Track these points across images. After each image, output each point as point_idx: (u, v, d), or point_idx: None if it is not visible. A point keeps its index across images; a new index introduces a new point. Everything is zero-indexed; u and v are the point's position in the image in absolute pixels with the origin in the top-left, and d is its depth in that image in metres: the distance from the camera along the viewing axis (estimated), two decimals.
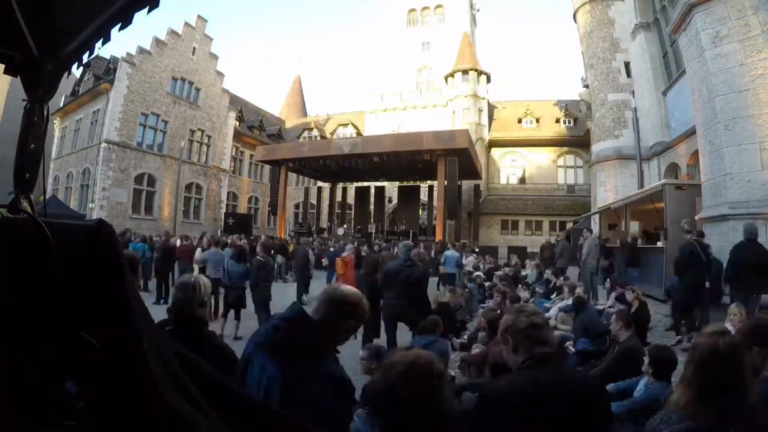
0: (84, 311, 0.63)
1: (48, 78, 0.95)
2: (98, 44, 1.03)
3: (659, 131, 12.85)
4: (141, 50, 20.77)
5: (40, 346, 0.60)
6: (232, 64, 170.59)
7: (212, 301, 7.42)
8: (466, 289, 8.24)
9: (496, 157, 25.86)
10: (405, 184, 22.21)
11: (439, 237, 15.14)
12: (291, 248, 12.69)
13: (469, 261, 9.65)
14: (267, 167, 23.09)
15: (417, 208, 21.75)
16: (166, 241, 10.01)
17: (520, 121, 25.97)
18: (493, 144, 25.46)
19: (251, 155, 27.54)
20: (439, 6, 30.17)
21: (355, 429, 1.45)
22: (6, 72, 0.95)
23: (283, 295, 7.44)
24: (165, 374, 0.65)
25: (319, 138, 29.21)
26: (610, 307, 5.87)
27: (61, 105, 22.47)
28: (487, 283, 9.43)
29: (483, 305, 7.84)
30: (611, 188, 14.77)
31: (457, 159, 14.70)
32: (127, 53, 20.41)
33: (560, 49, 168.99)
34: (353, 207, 22.38)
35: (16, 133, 0.93)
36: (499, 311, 4.92)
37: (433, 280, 11.44)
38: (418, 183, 21.70)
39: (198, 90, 24.27)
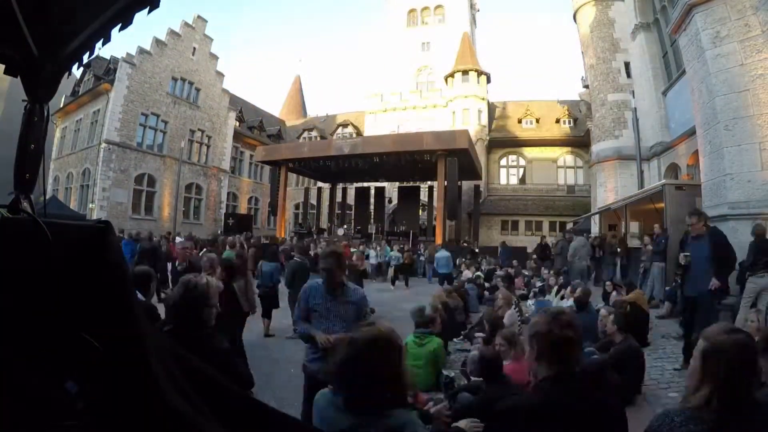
0: (85, 311, 0.63)
1: (48, 78, 0.95)
2: (98, 44, 1.04)
3: (659, 131, 12.84)
4: (141, 50, 20.78)
5: (40, 346, 0.60)
6: (232, 64, 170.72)
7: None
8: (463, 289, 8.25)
9: (496, 157, 25.86)
10: (405, 184, 22.20)
11: (439, 237, 15.14)
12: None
13: (465, 275, 9.72)
14: (267, 167, 23.10)
15: (417, 208, 21.75)
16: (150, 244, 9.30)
17: (520, 121, 25.97)
18: (493, 144, 25.47)
19: (251, 155, 27.54)
20: (439, 6, 30.18)
21: (318, 409, 1.39)
22: (6, 72, 0.95)
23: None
24: (165, 374, 0.65)
25: (319, 138, 29.22)
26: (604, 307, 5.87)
27: (61, 105, 22.48)
28: (486, 284, 9.44)
29: (483, 305, 7.85)
30: (611, 188, 14.76)
31: (457, 159, 14.70)
32: (127, 53, 20.43)
33: (560, 49, 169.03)
34: (353, 207, 22.37)
35: (16, 133, 0.93)
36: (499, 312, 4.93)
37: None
38: (418, 183, 21.70)
39: (198, 90, 24.29)
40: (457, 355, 4.91)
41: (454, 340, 5.56)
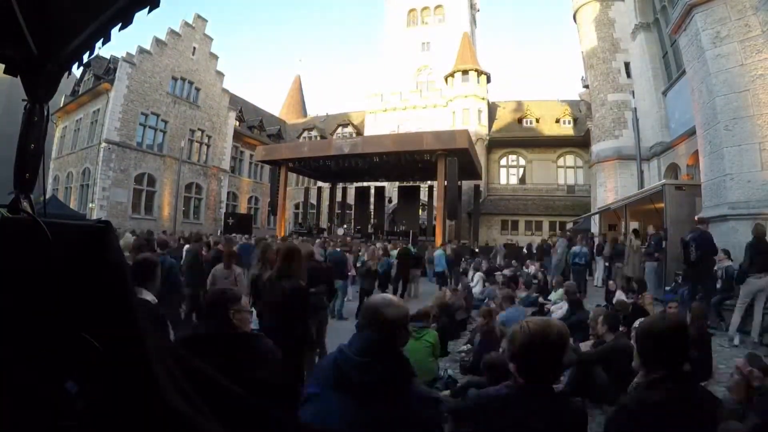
0: (85, 311, 0.63)
1: (48, 78, 0.95)
2: (98, 44, 1.03)
3: (659, 131, 12.85)
4: (141, 50, 20.78)
5: (40, 346, 0.60)
6: (232, 64, 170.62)
7: None
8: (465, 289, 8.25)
9: (496, 157, 25.86)
10: (405, 184, 22.20)
11: (439, 237, 15.14)
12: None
13: (477, 278, 9.73)
14: (267, 167, 23.08)
15: (417, 208, 21.74)
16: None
17: (520, 121, 25.97)
18: (493, 144, 25.47)
19: (251, 155, 27.53)
20: (439, 6, 30.17)
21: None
22: (6, 72, 0.95)
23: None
24: (165, 374, 0.65)
25: (319, 138, 29.21)
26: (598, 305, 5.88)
27: (61, 105, 22.48)
28: (486, 284, 9.44)
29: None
30: (611, 188, 14.77)
31: (457, 159, 14.69)
32: (127, 53, 20.42)
33: (560, 49, 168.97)
34: (353, 207, 22.37)
35: (16, 133, 0.93)
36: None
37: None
38: (418, 183, 21.69)
39: (198, 90, 24.28)
40: (456, 355, 4.91)
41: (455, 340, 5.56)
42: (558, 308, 5.99)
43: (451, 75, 25.49)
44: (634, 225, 10.60)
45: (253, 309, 3.13)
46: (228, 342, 1.66)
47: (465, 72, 25.00)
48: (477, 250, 15.99)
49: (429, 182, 20.05)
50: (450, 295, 6.38)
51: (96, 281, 0.66)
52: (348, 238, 14.74)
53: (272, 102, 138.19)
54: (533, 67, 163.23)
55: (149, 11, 0.97)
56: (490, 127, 25.52)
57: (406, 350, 1.99)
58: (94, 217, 18.34)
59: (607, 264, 9.60)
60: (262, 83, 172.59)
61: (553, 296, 7.42)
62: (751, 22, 6.21)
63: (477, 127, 24.16)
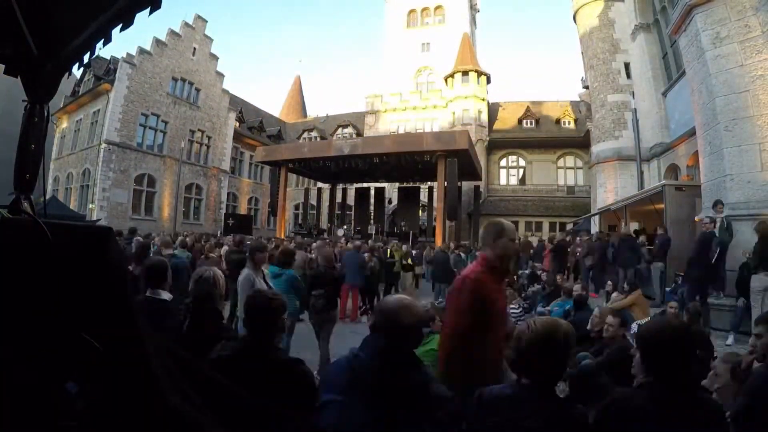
0: (85, 312, 0.63)
1: (48, 78, 0.95)
2: (99, 45, 1.04)
3: (659, 132, 12.85)
4: (141, 51, 20.79)
5: (40, 346, 0.60)
6: (232, 65, 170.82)
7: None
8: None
9: (496, 157, 25.86)
10: (405, 185, 22.20)
11: (439, 238, 15.13)
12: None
13: None
14: (267, 168, 23.07)
15: (417, 208, 21.74)
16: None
17: (520, 121, 25.98)
18: (493, 144, 25.47)
19: (251, 156, 27.53)
20: (439, 7, 30.19)
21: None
22: (6, 72, 0.95)
23: None
24: (165, 374, 0.65)
25: (319, 139, 29.21)
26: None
27: (61, 105, 22.47)
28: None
29: None
30: (611, 189, 14.77)
31: (457, 160, 14.68)
32: (127, 53, 20.43)
33: (560, 50, 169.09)
34: (353, 208, 22.36)
35: (16, 133, 0.93)
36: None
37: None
38: (418, 184, 21.69)
39: (198, 90, 24.29)
40: None
41: None
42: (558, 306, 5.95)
43: (451, 76, 25.50)
44: (633, 226, 10.61)
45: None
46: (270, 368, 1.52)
47: (465, 73, 25.01)
48: (478, 253, 15.93)
49: (429, 183, 20.04)
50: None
51: (96, 282, 0.66)
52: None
53: (272, 103, 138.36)
54: (533, 67, 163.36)
55: (150, 12, 0.97)
56: (490, 127, 25.52)
57: None
58: (94, 217, 18.34)
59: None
60: (262, 84, 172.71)
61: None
62: (751, 23, 6.21)
63: (477, 127, 24.15)
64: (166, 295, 2.53)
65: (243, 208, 27.64)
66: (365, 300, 7.86)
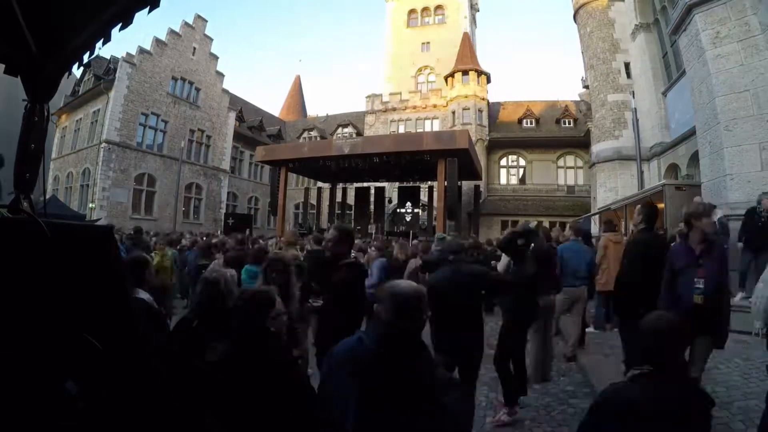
0: (85, 312, 0.63)
1: (48, 78, 0.95)
2: (99, 44, 1.04)
3: (659, 132, 12.85)
4: (141, 50, 20.79)
5: (40, 346, 0.60)
6: (232, 64, 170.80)
7: None
8: None
9: (496, 157, 25.85)
10: (405, 184, 22.20)
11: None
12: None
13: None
14: (267, 168, 23.07)
15: (417, 208, 21.74)
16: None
17: (520, 121, 25.97)
18: (493, 144, 25.46)
19: (251, 155, 27.53)
20: (439, 6, 30.19)
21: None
22: (6, 72, 0.96)
23: None
24: (165, 374, 0.65)
25: (319, 138, 29.21)
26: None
27: (61, 105, 22.47)
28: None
29: None
30: (611, 189, 14.76)
31: (457, 159, 14.68)
32: (127, 53, 20.44)
33: (560, 50, 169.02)
34: (353, 207, 22.35)
35: (16, 133, 0.93)
36: None
37: None
38: (418, 183, 21.69)
39: (198, 90, 24.29)
40: None
41: None
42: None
43: (451, 75, 25.49)
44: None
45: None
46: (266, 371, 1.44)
47: (465, 72, 25.00)
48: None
49: (429, 182, 20.04)
50: None
51: (96, 282, 0.66)
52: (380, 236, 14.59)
53: (272, 102, 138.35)
54: (533, 67, 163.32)
55: (149, 11, 0.97)
56: (490, 127, 25.52)
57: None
58: (94, 217, 18.35)
59: None
60: (262, 84, 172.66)
61: None
62: (751, 22, 6.21)
63: (477, 127, 24.15)
64: (144, 295, 2.37)
65: (243, 208, 27.64)
66: None
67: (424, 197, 21.53)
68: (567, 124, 24.87)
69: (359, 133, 27.78)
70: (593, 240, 7.30)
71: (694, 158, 9.66)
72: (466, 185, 21.32)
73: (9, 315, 0.59)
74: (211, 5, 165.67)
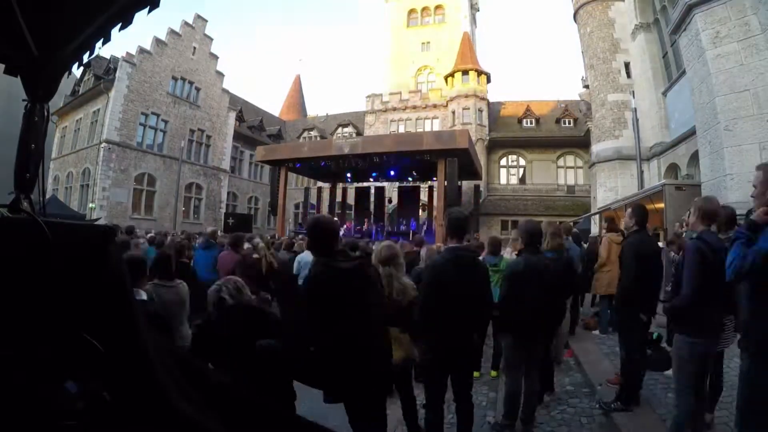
0: (85, 311, 0.63)
1: (48, 78, 0.95)
2: (98, 44, 1.04)
3: (659, 132, 12.85)
4: (141, 50, 20.78)
5: (40, 346, 0.60)
6: (232, 64, 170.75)
7: None
8: None
9: (496, 157, 25.86)
10: (405, 184, 22.20)
11: (439, 237, 15.12)
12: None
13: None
14: (267, 167, 23.06)
15: (417, 208, 21.72)
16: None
17: (520, 121, 25.97)
18: (493, 144, 25.46)
19: (251, 155, 27.54)
20: (439, 6, 30.18)
21: None
22: (6, 72, 0.96)
23: None
24: (166, 374, 0.65)
25: (319, 138, 29.20)
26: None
27: (61, 105, 22.46)
28: None
29: None
30: (611, 188, 14.76)
31: (457, 159, 14.67)
32: (127, 53, 20.43)
33: (560, 49, 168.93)
34: (353, 207, 22.35)
35: (16, 133, 0.93)
36: None
37: None
38: (418, 183, 21.69)
39: (198, 90, 24.29)
40: None
41: None
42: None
43: (451, 75, 25.49)
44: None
45: None
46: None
47: (465, 72, 25.00)
48: None
49: (429, 182, 20.04)
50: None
51: (96, 281, 0.66)
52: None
53: (272, 102, 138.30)
54: (534, 67, 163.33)
55: (149, 11, 0.97)
56: (490, 127, 25.52)
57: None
58: (94, 216, 18.35)
59: None
60: (262, 83, 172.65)
61: None
62: (751, 22, 6.21)
63: (477, 127, 24.15)
64: (143, 296, 2.42)
65: (243, 208, 27.65)
66: None
67: (424, 197, 21.53)
68: (567, 124, 24.88)
69: (359, 133, 27.78)
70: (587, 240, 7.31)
71: (694, 158, 9.65)
72: (466, 185, 21.32)
73: (9, 315, 0.59)
74: (211, 5, 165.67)
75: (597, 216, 14.47)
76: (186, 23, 23.47)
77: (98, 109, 20.51)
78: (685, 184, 8.72)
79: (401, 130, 26.85)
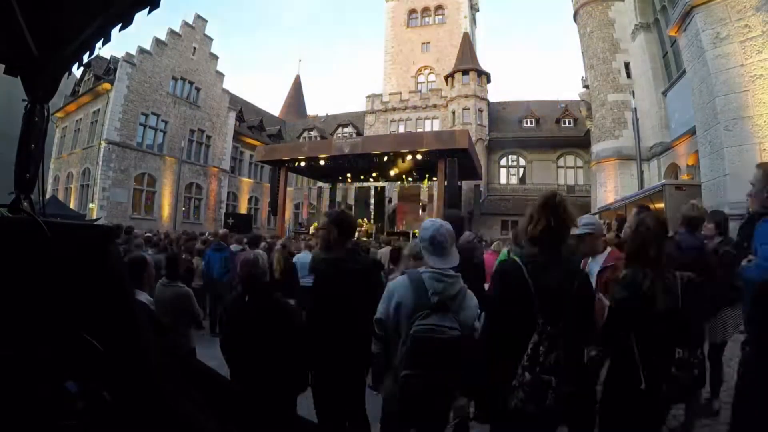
0: (85, 311, 0.63)
1: (48, 78, 0.95)
2: (98, 44, 1.04)
3: (659, 132, 12.86)
4: (141, 50, 20.78)
5: (40, 346, 0.60)
6: (232, 65, 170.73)
7: None
8: None
9: (496, 157, 25.87)
10: (405, 184, 22.21)
11: None
12: None
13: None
14: (267, 167, 23.07)
15: (417, 208, 21.73)
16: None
17: (520, 121, 25.98)
18: (493, 144, 25.47)
19: (251, 155, 27.54)
20: (439, 6, 30.19)
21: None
22: (6, 72, 0.96)
23: None
24: (165, 374, 0.65)
25: (319, 138, 29.21)
26: None
27: (61, 105, 22.46)
28: None
29: None
30: (611, 189, 14.77)
31: (457, 159, 14.67)
32: (127, 53, 20.42)
33: (561, 50, 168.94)
34: (353, 207, 22.35)
35: (16, 133, 0.93)
36: None
37: None
38: (418, 183, 21.69)
39: (198, 90, 24.28)
40: None
41: None
42: None
43: (451, 75, 25.49)
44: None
45: None
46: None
47: (465, 72, 25.00)
48: None
49: (429, 182, 20.06)
50: None
51: (96, 281, 0.66)
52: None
53: (272, 102, 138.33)
54: (534, 67, 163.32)
55: (149, 12, 0.97)
56: (490, 127, 25.53)
57: None
58: (94, 216, 18.35)
59: None
60: (262, 84, 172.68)
61: None
62: (751, 23, 6.21)
63: (477, 127, 24.15)
64: (143, 297, 2.36)
65: (243, 208, 27.63)
66: None
67: (424, 197, 21.54)
68: (567, 124, 24.88)
69: (359, 133, 27.78)
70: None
71: (695, 158, 9.65)
72: (466, 185, 21.33)
73: (9, 315, 0.60)
74: (211, 5, 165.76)
75: (597, 216, 14.48)
76: (186, 23, 23.47)
77: (98, 109, 20.50)
78: (685, 184, 8.73)
79: (401, 130, 26.86)
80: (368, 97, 29.03)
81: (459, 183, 16.94)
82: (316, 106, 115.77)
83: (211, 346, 2.95)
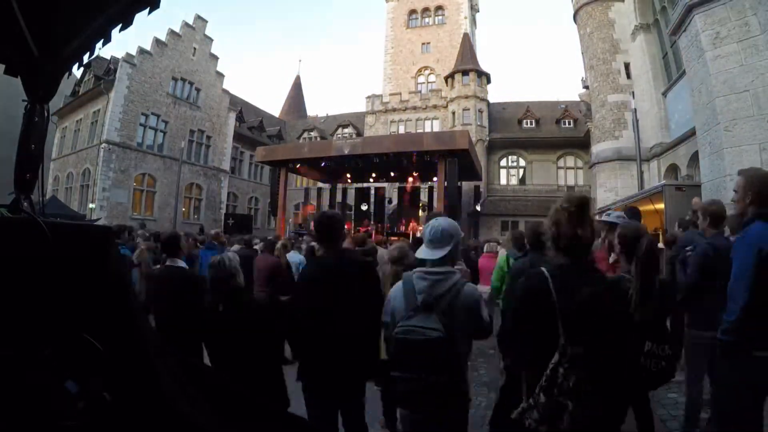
0: (85, 311, 0.63)
1: (48, 78, 0.95)
2: (98, 45, 1.04)
3: (659, 132, 12.87)
4: (141, 51, 20.80)
5: (40, 346, 0.60)
6: (232, 64, 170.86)
7: None
8: None
9: (496, 157, 25.87)
10: (405, 185, 22.21)
11: None
12: None
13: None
14: (267, 168, 23.08)
15: (417, 208, 21.72)
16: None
17: (520, 121, 25.99)
18: (493, 145, 25.48)
19: (251, 156, 27.54)
20: (439, 7, 30.21)
21: None
22: (6, 72, 0.96)
23: None
24: (166, 374, 0.65)
25: (319, 139, 29.22)
26: None
27: (61, 105, 22.47)
28: None
29: None
30: (611, 189, 14.79)
31: (457, 160, 14.69)
32: (127, 54, 20.44)
33: (561, 50, 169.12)
34: (353, 208, 22.35)
35: (16, 133, 0.93)
36: None
37: None
38: (418, 184, 21.70)
39: (198, 90, 24.30)
40: None
41: None
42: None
43: (451, 76, 25.50)
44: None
45: None
46: None
47: (465, 73, 25.01)
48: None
49: (429, 183, 20.07)
50: None
51: (96, 281, 0.66)
52: None
53: (272, 102, 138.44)
54: (534, 67, 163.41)
55: (149, 12, 0.98)
56: (490, 127, 25.53)
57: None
58: (94, 217, 18.35)
59: None
60: (262, 84, 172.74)
61: None
62: (751, 23, 6.21)
63: (477, 127, 24.16)
64: (182, 263, 3.09)
65: (243, 208, 27.64)
66: None
67: (424, 197, 21.53)
68: (567, 125, 24.90)
69: (359, 134, 27.79)
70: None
71: (694, 158, 9.66)
72: (466, 185, 21.32)
73: (9, 315, 0.59)
74: (211, 5, 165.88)
75: (596, 216, 14.47)
76: (186, 24, 23.48)
77: (98, 110, 20.51)
78: (685, 185, 8.73)
79: (401, 130, 26.86)
80: (368, 97, 29.03)
81: (459, 183, 16.95)
82: (316, 107, 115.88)
83: None
